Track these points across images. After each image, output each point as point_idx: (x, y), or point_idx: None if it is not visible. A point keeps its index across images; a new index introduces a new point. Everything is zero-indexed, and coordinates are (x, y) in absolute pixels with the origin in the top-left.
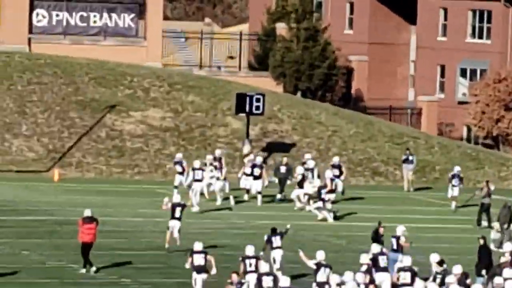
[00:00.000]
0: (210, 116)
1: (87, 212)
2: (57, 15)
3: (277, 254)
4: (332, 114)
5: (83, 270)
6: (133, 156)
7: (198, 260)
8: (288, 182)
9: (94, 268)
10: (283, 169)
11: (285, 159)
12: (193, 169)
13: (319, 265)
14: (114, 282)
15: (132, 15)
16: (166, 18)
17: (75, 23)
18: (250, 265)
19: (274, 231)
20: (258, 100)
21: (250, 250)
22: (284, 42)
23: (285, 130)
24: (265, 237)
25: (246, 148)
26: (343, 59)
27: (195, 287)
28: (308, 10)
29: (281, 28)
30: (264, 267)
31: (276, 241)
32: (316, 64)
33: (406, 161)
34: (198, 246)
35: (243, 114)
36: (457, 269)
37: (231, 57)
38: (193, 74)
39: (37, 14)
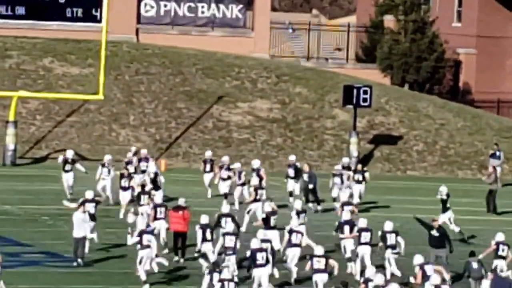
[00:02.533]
0: (317, 108)
1: (180, 201)
2: (165, 5)
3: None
4: (439, 107)
5: (176, 258)
6: (239, 147)
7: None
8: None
9: (182, 260)
10: (305, 176)
11: (306, 165)
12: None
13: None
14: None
15: (240, 6)
16: (274, 9)
17: (183, 14)
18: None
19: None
20: (365, 92)
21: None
22: (392, 35)
23: (392, 123)
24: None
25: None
26: (450, 52)
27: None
28: (416, 3)
29: (389, 20)
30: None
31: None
32: (424, 56)
33: (493, 156)
34: (319, 250)
35: (350, 106)
36: None
37: (339, 49)
38: (301, 66)
39: (145, 4)
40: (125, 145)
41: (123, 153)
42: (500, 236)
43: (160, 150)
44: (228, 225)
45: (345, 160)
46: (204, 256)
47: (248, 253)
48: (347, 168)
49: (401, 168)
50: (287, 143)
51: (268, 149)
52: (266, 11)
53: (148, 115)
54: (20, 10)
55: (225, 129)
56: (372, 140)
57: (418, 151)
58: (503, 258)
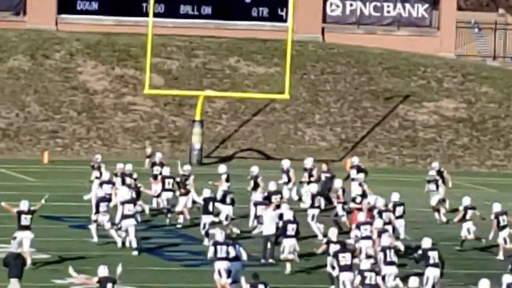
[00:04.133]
0: (504, 107)
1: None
2: (351, 5)
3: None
4: None
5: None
6: (425, 146)
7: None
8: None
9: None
10: (323, 176)
11: (324, 165)
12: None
13: None
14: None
15: (426, 5)
16: (459, 8)
17: (368, 13)
18: None
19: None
20: None
21: None
22: None
23: None
24: None
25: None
26: None
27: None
28: None
29: None
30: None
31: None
32: None
33: None
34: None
35: None
36: None
37: None
38: (487, 65)
39: (331, 4)
40: (311, 145)
41: (309, 152)
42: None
43: (345, 149)
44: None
45: (435, 164)
46: None
47: (280, 224)
48: (438, 172)
49: None
50: (473, 142)
51: (454, 149)
52: (452, 10)
53: (334, 114)
54: (207, 10)
55: (411, 129)
56: None
57: None
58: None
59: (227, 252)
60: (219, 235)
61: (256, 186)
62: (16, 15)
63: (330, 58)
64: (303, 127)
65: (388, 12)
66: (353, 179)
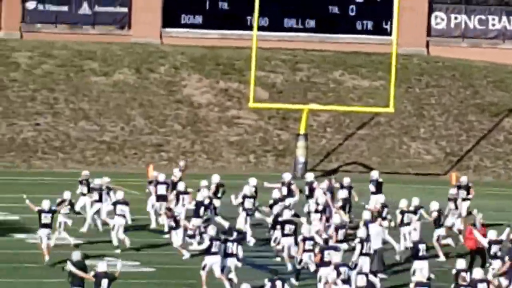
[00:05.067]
0: None
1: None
2: (456, 18)
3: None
4: None
5: None
6: None
7: None
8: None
9: None
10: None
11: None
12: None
13: None
14: None
15: None
16: None
17: (473, 26)
18: None
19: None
20: None
21: None
22: None
23: None
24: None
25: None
26: None
27: None
28: None
29: None
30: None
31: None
32: None
33: None
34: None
35: None
36: None
37: None
38: None
39: (436, 17)
40: (416, 158)
41: (413, 167)
42: None
43: (450, 163)
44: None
45: (463, 178)
46: None
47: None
48: (465, 187)
49: None
50: None
51: None
52: None
53: (439, 128)
54: (311, 23)
55: None
56: None
57: None
58: None
59: (226, 248)
60: (212, 230)
61: (311, 193)
62: (121, 29)
63: (435, 72)
64: (408, 141)
65: (493, 25)
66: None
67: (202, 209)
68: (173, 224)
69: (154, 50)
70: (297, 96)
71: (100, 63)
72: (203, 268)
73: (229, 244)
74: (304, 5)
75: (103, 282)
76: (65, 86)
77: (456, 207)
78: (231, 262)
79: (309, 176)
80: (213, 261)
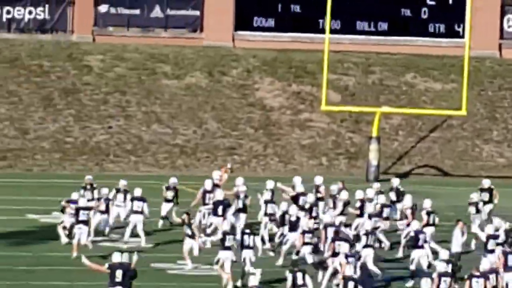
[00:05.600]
0: None
1: None
2: None
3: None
4: None
5: None
6: None
7: None
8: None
9: None
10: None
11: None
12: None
13: None
14: None
15: None
16: None
17: None
18: None
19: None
20: None
21: None
22: None
23: None
24: None
25: None
26: None
27: None
28: None
29: None
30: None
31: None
32: None
33: None
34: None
35: None
36: None
37: None
38: None
39: (508, 20)
40: (489, 161)
41: (486, 169)
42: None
43: None
44: None
45: (485, 181)
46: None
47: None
48: (488, 190)
49: None
50: None
51: None
52: None
53: None
54: (383, 26)
55: None
56: None
57: None
58: None
59: (243, 240)
60: (226, 225)
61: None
62: (193, 32)
63: (508, 74)
64: (481, 144)
65: None
66: None
67: (220, 208)
68: (189, 232)
69: (227, 53)
70: (369, 99)
71: (172, 66)
72: (216, 263)
73: (245, 236)
74: (376, 8)
75: (118, 273)
76: (137, 89)
77: (478, 211)
78: (247, 253)
79: (318, 180)
80: (226, 256)
